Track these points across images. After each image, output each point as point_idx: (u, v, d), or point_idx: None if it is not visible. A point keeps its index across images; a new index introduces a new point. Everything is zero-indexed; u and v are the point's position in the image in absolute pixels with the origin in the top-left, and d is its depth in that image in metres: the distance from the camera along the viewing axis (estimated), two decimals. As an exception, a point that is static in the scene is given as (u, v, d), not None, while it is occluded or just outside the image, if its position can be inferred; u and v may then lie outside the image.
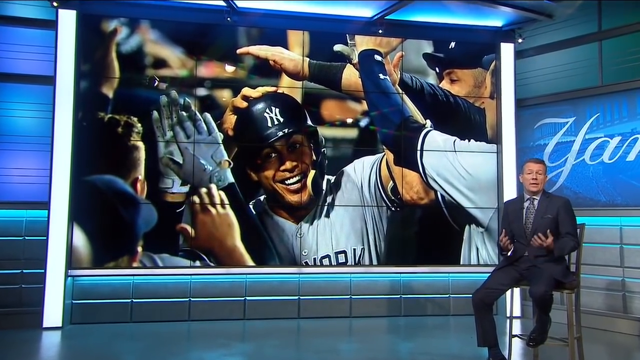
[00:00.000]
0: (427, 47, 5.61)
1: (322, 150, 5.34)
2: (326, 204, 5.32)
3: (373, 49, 5.45)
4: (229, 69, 5.27)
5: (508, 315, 3.98)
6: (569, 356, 3.48)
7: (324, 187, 5.33)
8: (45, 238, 4.78)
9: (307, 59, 5.36)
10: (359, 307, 5.40)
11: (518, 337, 3.86)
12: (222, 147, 5.15)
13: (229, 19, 5.17)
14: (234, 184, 5.14)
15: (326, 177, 5.34)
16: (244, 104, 5.20)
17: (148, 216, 4.96)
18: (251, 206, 5.18)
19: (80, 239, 4.91)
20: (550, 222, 3.53)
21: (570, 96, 5.40)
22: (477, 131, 5.61)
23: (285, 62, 5.32)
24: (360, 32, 5.43)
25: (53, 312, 4.76)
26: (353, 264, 5.33)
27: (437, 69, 5.61)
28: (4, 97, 5.05)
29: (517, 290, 4.94)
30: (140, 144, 5.04)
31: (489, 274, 3.66)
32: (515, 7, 5.12)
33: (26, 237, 4.96)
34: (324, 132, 5.36)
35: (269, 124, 5.19)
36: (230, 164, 5.15)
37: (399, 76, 5.50)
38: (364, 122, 5.45)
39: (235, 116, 5.19)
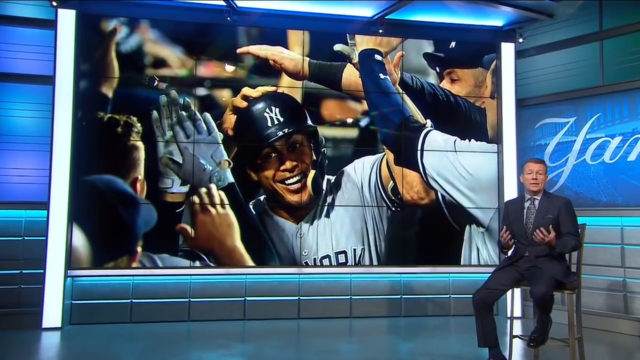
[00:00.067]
0: (428, 46, 5.60)
1: (322, 150, 5.33)
2: (326, 204, 5.31)
3: (373, 49, 5.44)
4: (229, 68, 5.26)
5: (509, 315, 3.97)
6: (570, 357, 3.47)
7: (324, 187, 5.32)
8: (44, 238, 4.77)
9: (307, 59, 5.34)
10: (359, 307, 5.38)
11: (519, 337, 3.86)
12: (222, 147, 5.14)
13: (228, 18, 5.15)
14: (234, 183, 5.13)
15: (326, 177, 5.33)
16: (244, 104, 5.19)
17: (148, 216, 4.95)
18: (251, 206, 5.17)
19: (79, 239, 4.90)
20: (551, 222, 3.52)
21: (571, 96, 5.39)
22: (478, 131, 5.59)
23: (285, 62, 5.31)
24: (360, 32, 5.42)
25: (52, 312, 4.75)
26: (353, 264, 5.32)
27: (437, 68, 5.60)
28: (3, 97, 5.04)
29: (517, 291, 4.93)
30: (140, 144, 5.03)
31: (490, 275, 3.66)
32: (516, 6, 5.11)
33: (25, 238, 4.95)
34: (324, 131, 5.35)
35: (269, 124, 5.18)
36: (230, 163, 5.14)
37: (399, 76, 5.49)
38: (364, 122, 5.44)
39: (235, 116, 5.18)
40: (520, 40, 5.62)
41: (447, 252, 5.47)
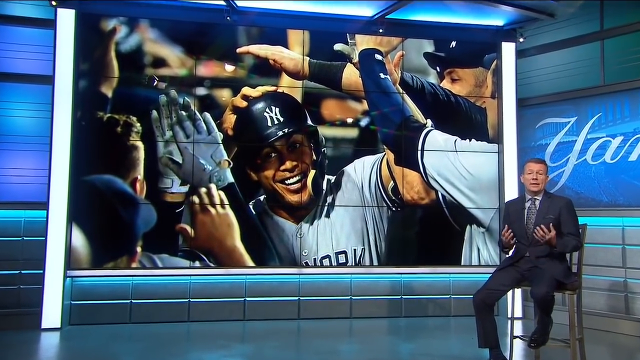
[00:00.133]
0: (428, 46, 5.59)
1: (323, 150, 5.32)
2: (326, 204, 5.30)
3: (373, 48, 5.43)
4: (229, 68, 5.25)
5: (509, 316, 3.96)
6: (571, 357, 3.46)
7: (324, 187, 5.31)
8: (43, 238, 4.76)
9: (307, 58, 5.33)
10: (360, 308, 5.37)
11: (519, 338, 3.85)
12: (221, 146, 5.13)
13: (228, 18, 5.14)
14: (234, 183, 5.12)
15: (326, 177, 5.32)
16: (244, 104, 5.18)
17: (147, 216, 4.94)
18: (251, 206, 5.16)
19: (79, 240, 4.89)
20: (552, 222, 3.50)
21: (572, 96, 5.38)
22: (478, 131, 5.58)
23: (285, 62, 5.29)
24: (360, 31, 5.41)
25: (52, 313, 4.74)
26: (353, 264, 5.30)
27: (438, 68, 5.59)
28: (3, 96, 5.03)
29: (518, 291, 4.92)
30: (140, 144, 5.02)
31: (490, 275, 3.65)
32: (517, 6, 5.09)
33: (25, 238, 4.93)
34: (324, 131, 5.34)
35: (269, 124, 5.17)
36: (230, 163, 5.13)
37: (399, 75, 5.48)
38: (364, 122, 5.43)
39: (235, 116, 5.17)
40: (521, 39, 5.61)
41: (448, 252, 5.46)
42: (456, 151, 5.45)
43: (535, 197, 3.65)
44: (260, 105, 5.20)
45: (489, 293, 3.52)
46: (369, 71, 5.40)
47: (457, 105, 5.56)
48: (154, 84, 5.09)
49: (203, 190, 5.07)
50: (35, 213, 4.89)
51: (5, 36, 5.07)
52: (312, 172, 5.25)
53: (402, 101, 5.43)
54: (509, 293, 3.67)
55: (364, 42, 5.42)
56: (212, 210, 5.08)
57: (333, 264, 5.27)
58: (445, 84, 5.57)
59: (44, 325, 4.72)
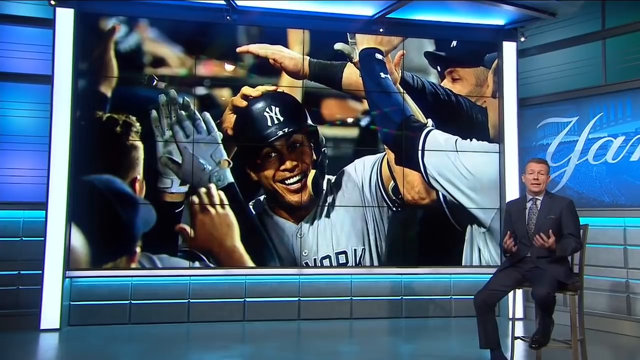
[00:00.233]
0: (429, 45, 5.57)
1: (323, 149, 5.30)
2: (326, 204, 5.28)
3: (374, 48, 5.41)
4: (229, 67, 5.24)
5: (510, 316, 3.94)
6: (572, 358, 3.44)
7: (325, 187, 5.29)
8: (42, 239, 4.74)
9: (308, 58, 5.32)
10: (360, 308, 5.35)
11: (520, 339, 3.84)
12: (221, 146, 5.12)
13: (228, 17, 5.13)
14: (234, 183, 5.10)
15: (326, 177, 5.31)
16: (244, 103, 5.16)
17: (147, 216, 4.93)
18: (251, 206, 5.14)
19: (78, 240, 4.87)
20: (553, 222, 3.50)
21: (573, 95, 5.36)
22: (479, 130, 5.56)
23: (286, 61, 5.28)
24: (361, 31, 5.39)
25: (51, 313, 4.72)
26: (354, 264, 5.29)
27: (438, 67, 5.57)
28: (1, 96, 5.01)
29: (519, 292, 4.90)
30: (139, 144, 5.00)
31: (491, 275, 3.63)
32: (518, 5, 5.07)
33: (23, 238, 4.92)
34: (324, 131, 5.32)
35: (269, 123, 5.15)
36: (229, 163, 5.11)
37: (400, 75, 5.46)
38: (364, 122, 5.41)
39: (235, 115, 5.16)
40: (522, 39, 5.59)
41: (448, 252, 5.44)
42: (457, 151, 5.43)
43: (537, 197, 3.63)
44: (260, 105, 5.18)
45: (490, 293, 3.50)
46: (369, 71, 5.38)
47: (458, 105, 5.54)
48: (154, 84, 5.07)
49: (203, 190, 5.05)
50: (34, 213, 4.87)
51: (4, 36, 5.05)
52: (312, 172, 5.23)
53: (403, 101, 5.42)
54: (510, 294, 3.65)
55: (364, 41, 5.40)
56: (212, 210, 5.06)
57: (333, 265, 5.25)
58: (446, 83, 5.56)
59: (43, 326, 4.70)
